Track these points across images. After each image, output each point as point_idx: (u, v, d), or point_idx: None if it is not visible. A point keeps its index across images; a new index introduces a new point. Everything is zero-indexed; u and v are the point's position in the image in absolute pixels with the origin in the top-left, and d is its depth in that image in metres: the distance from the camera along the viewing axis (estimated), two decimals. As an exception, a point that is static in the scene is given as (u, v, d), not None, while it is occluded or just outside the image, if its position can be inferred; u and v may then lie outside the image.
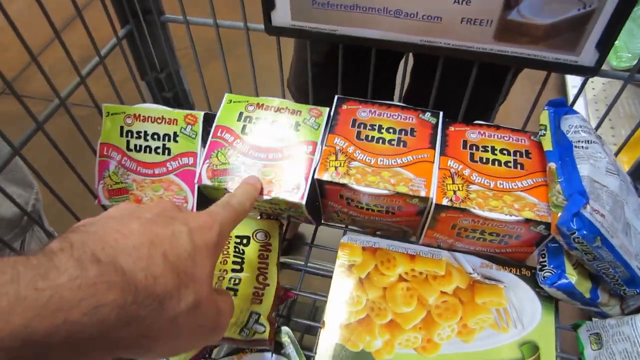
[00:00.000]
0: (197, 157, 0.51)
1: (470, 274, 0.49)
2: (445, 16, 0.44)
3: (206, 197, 0.52)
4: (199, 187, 0.50)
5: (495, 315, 0.46)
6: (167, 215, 0.32)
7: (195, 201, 0.50)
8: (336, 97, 0.52)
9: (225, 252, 0.50)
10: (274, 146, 0.49)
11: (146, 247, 0.28)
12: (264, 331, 0.45)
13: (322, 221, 0.58)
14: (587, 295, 0.44)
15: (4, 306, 0.21)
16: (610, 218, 0.39)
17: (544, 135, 0.45)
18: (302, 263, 0.55)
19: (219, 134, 0.50)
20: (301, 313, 0.88)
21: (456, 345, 0.45)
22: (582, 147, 0.43)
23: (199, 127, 0.51)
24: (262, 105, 0.52)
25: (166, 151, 0.51)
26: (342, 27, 0.48)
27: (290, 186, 0.47)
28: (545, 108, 0.47)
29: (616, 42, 1.42)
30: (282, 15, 0.49)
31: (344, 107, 0.51)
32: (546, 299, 0.47)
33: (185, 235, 0.30)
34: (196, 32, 0.57)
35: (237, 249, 0.51)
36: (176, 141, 0.51)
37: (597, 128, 0.52)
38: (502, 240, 0.46)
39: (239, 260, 0.50)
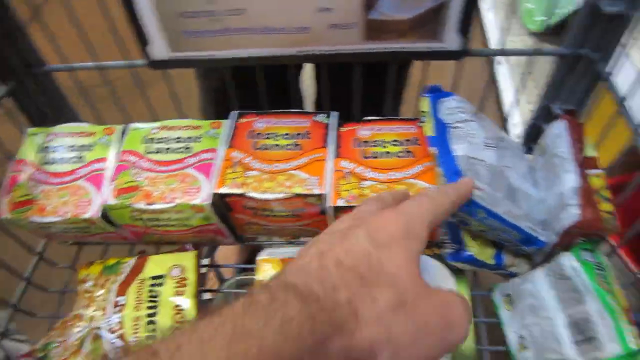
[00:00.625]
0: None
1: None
2: (313, 25, 0.44)
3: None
4: (104, 211, 0.48)
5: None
6: (350, 225, 0.30)
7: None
8: (232, 112, 0.53)
9: (138, 298, 0.48)
10: (176, 158, 0.50)
11: (316, 260, 0.27)
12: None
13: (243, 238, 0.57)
14: (492, 262, 0.45)
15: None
16: (490, 190, 0.41)
17: (425, 121, 0.46)
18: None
19: (123, 158, 0.51)
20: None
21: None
22: (459, 127, 0.45)
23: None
24: (166, 126, 0.53)
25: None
26: (220, 51, 0.48)
27: (193, 191, 0.47)
28: (424, 95, 0.48)
29: (530, 6, 1.48)
30: (159, 49, 0.48)
31: (241, 120, 0.52)
32: (457, 271, 0.48)
33: (362, 237, 0.28)
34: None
35: (151, 292, 0.49)
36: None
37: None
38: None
39: (154, 304, 0.48)
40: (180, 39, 0.46)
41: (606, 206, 0.43)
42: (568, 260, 0.43)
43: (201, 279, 1.06)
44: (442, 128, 0.45)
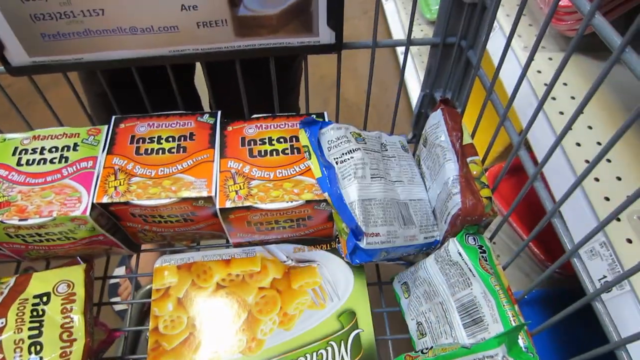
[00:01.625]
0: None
1: (284, 261, 0.50)
2: (181, 24, 0.43)
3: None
4: None
5: (312, 296, 0.48)
6: None
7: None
8: (113, 117, 0.50)
9: (19, 320, 0.45)
10: (52, 169, 0.47)
11: None
12: (76, 391, 0.41)
13: (140, 246, 0.56)
14: (385, 255, 0.47)
15: None
16: (385, 229, 0.43)
17: (309, 158, 0.46)
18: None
19: None
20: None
21: (279, 336, 0.46)
22: (345, 161, 0.45)
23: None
24: (39, 136, 0.50)
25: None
26: (87, 53, 0.45)
27: (72, 202, 0.45)
28: (300, 128, 0.48)
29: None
30: (17, 54, 0.45)
31: (122, 125, 0.50)
32: (356, 266, 0.50)
33: None
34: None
35: (34, 312, 0.46)
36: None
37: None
38: (299, 224, 0.48)
39: (37, 324, 0.45)
40: (38, 42, 0.43)
41: (485, 192, 0.45)
42: (454, 246, 0.45)
43: (113, 289, 1.02)
44: (328, 168, 0.45)
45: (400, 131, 0.60)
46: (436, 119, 0.49)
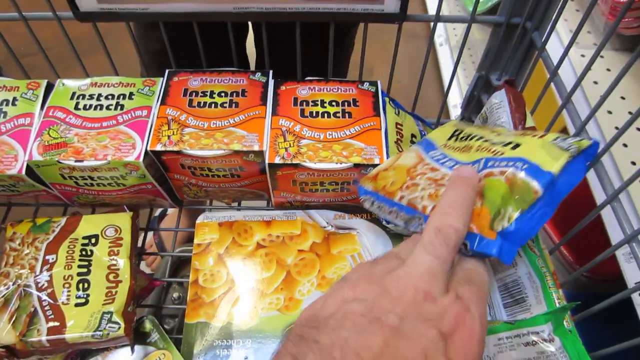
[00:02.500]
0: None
1: (324, 227, 0.50)
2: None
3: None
4: (28, 167, 0.46)
5: (350, 262, 0.48)
6: (415, 314, 0.25)
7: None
8: (167, 71, 0.51)
9: (69, 257, 0.47)
10: (108, 115, 0.48)
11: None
12: (119, 328, 0.43)
13: (183, 202, 0.57)
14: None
15: None
16: None
17: None
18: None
19: (50, 114, 0.48)
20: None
21: (317, 297, 0.46)
22: None
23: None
24: (96, 83, 0.51)
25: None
26: (153, 4, 0.46)
27: (126, 148, 0.46)
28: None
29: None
30: (87, 0, 0.46)
31: (175, 79, 0.51)
32: (395, 235, 0.49)
33: (440, 354, 0.23)
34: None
35: (83, 252, 0.48)
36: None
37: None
38: (343, 188, 0.47)
39: (86, 262, 0.47)
40: (110, -11, 0.44)
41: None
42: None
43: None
44: None
45: (431, 114, 0.60)
46: (499, 98, 0.48)
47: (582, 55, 0.68)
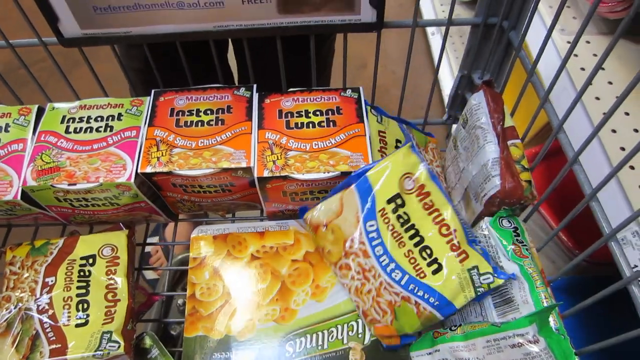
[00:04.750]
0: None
1: (317, 235, 0.51)
2: (226, 0, 0.44)
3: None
4: (24, 192, 0.47)
5: (343, 268, 0.49)
6: None
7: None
8: (152, 91, 0.52)
9: (68, 279, 0.48)
10: (98, 137, 0.49)
11: None
12: (119, 347, 0.44)
13: (178, 216, 0.58)
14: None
15: None
16: None
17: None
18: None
19: (42, 139, 0.49)
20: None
21: (311, 307, 0.47)
22: None
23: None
24: (85, 105, 0.52)
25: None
26: (135, 27, 0.47)
27: (117, 169, 0.47)
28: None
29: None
30: (70, 26, 0.47)
31: (162, 99, 0.51)
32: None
33: None
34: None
35: (82, 272, 0.49)
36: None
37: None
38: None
39: (84, 283, 0.48)
40: (90, 15, 0.45)
41: (525, 175, 0.45)
42: (486, 229, 0.45)
43: (146, 257, 1.06)
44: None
45: (423, 104, 0.60)
46: (477, 100, 0.48)
47: (568, 42, 0.68)
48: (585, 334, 0.68)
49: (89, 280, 0.48)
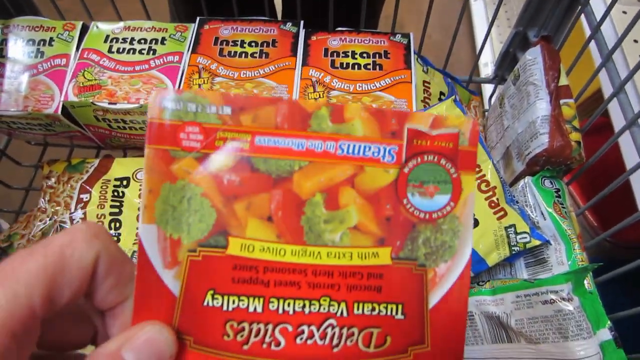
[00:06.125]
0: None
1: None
2: None
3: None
4: (64, 107, 0.48)
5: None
6: None
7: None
8: (197, 18, 0.51)
9: (102, 197, 0.49)
10: (141, 59, 0.49)
11: None
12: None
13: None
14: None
15: None
16: None
17: None
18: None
19: (85, 56, 0.49)
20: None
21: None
22: None
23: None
24: (129, 27, 0.51)
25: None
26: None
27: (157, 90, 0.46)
28: None
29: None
30: None
31: (207, 27, 0.50)
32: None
33: None
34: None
35: (115, 193, 0.49)
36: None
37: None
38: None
39: (118, 203, 0.48)
40: None
41: (575, 136, 0.43)
42: (527, 187, 0.44)
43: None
44: None
45: (464, 72, 0.58)
46: (533, 55, 0.46)
47: (624, 12, 0.64)
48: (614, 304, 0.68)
49: (123, 201, 0.49)
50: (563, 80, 0.45)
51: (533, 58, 0.46)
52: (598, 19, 0.43)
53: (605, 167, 0.50)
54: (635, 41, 0.61)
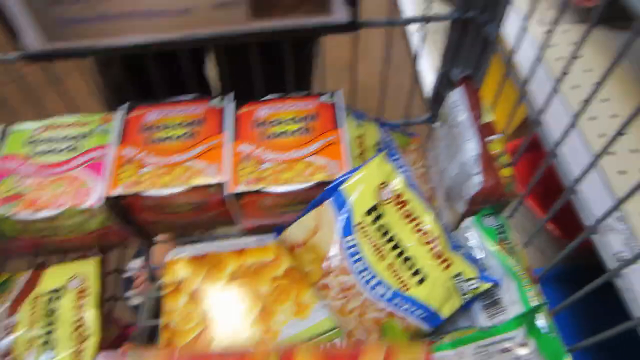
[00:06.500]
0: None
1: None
2: (194, 7, 0.42)
3: None
4: None
5: (328, 282, 0.46)
6: None
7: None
8: (122, 106, 0.50)
9: (32, 317, 0.44)
10: (63, 160, 0.46)
11: None
12: (91, 386, 0.41)
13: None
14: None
15: None
16: None
17: None
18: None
19: (3, 165, 0.47)
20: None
21: (295, 326, 0.44)
22: None
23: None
24: (49, 126, 0.49)
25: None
26: (101, 39, 0.45)
27: (83, 193, 0.44)
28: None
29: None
30: (33, 40, 0.44)
31: (133, 114, 0.49)
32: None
33: None
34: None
35: (47, 309, 0.45)
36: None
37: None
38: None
39: (50, 320, 0.44)
40: (54, 27, 0.42)
41: (506, 171, 0.44)
42: (470, 229, 0.43)
43: (128, 282, 1.02)
44: None
45: (412, 112, 0.58)
46: (456, 97, 0.47)
47: (545, 33, 0.67)
48: (577, 323, 0.67)
49: (56, 317, 0.45)
50: (488, 117, 0.46)
51: (456, 99, 0.47)
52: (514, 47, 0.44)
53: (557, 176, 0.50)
54: (560, 59, 0.64)
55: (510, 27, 0.50)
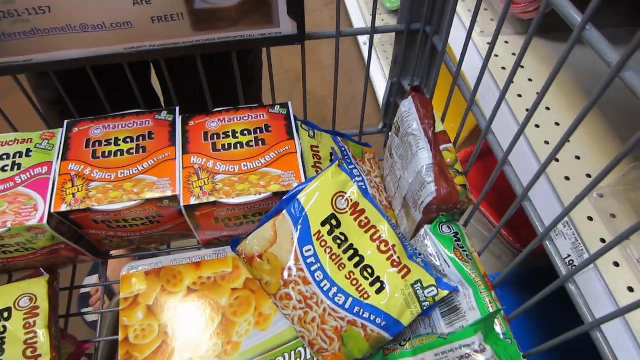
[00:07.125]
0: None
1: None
2: (134, 20, 0.41)
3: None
4: None
5: (286, 293, 0.46)
6: None
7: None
8: (65, 122, 0.48)
9: (-22, 338, 0.43)
10: (4, 177, 0.45)
11: None
12: (41, 409, 0.39)
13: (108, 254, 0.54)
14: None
15: None
16: None
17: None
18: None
19: None
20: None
21: (256, 337, 0.44)
22: None
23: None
24: None
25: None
26: (36, 54, 0.43)
27: (27, 210, 0.42)
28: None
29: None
30: None
31: (76, 130, 0.47)
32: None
33: None
34: None
35: (-5, 329, 0.43)
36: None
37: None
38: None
39: (-2, 341, 0.43)
40: (-15, 43, 0.40)
41: (460, 179, 0.45)
42: (426, 237, 0.44)
43: (84, 299, 0.99)
44: None
45: (367, 122, 0.59)
46: (407, 107, 0.48)
47: (488, 43, 0.70)
48: (534, 326, 0.69)
49: (4, 337, 0.43)
50: (440, 126, 0.47)
51: (407, 109, 0.48)
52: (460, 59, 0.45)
53: (509, 183, 0.52)
54: (504, 68, 0.66)
55: (456, 38, 0.52)
